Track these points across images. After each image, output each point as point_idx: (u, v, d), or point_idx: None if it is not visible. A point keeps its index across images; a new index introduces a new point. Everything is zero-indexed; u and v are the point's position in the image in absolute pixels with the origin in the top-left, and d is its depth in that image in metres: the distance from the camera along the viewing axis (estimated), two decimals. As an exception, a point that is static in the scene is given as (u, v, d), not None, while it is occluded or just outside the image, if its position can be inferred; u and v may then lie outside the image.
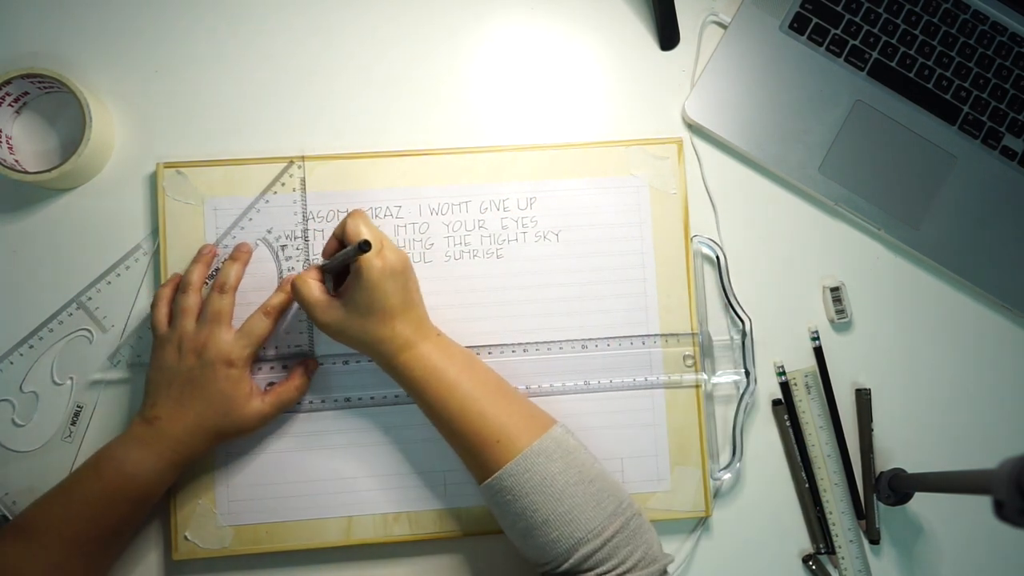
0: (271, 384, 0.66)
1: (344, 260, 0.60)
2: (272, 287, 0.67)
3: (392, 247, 0.60)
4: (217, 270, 0.66)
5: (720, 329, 0.70)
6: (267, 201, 0.68)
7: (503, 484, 0.57)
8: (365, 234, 0.59)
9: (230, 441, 0.64)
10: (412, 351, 0.60)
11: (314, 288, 0.61)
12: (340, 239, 0.61)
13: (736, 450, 0.69)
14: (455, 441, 0.61)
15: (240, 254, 0.66)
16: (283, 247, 0.68)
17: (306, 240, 0.68)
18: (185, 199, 0.68)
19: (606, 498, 0.57)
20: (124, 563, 0.66)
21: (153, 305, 0.65)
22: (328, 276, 0.64)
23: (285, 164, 0.68)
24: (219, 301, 0.63)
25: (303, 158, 0.68)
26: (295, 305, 0.66)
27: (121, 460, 0.59)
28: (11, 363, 0.67)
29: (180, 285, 0.65)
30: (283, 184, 0.68)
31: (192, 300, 0.63)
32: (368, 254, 0.57)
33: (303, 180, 0.68)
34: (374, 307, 0.59)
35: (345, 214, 0.68)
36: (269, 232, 0.68)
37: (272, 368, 0.67)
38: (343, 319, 0.60)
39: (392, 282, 0.59)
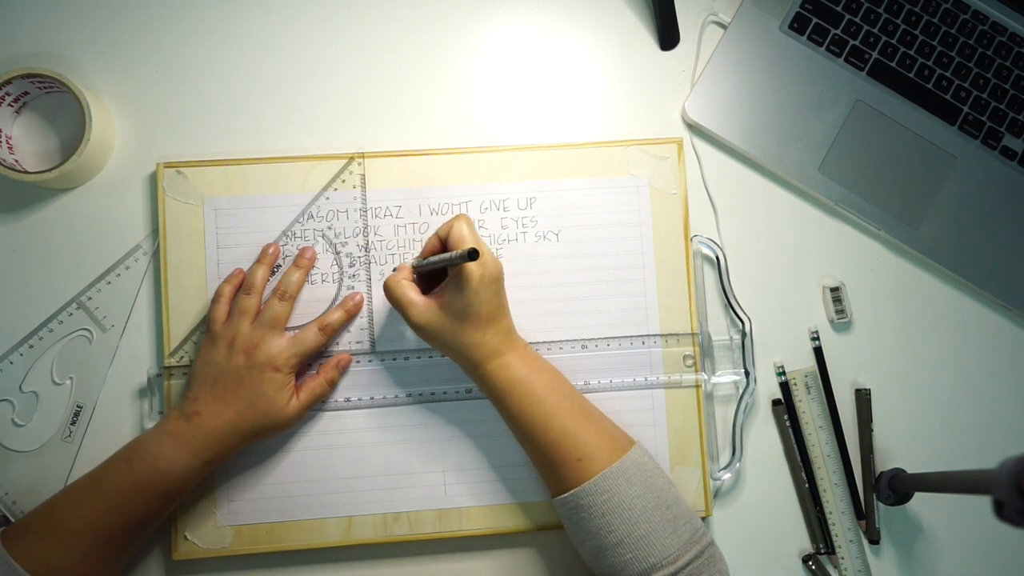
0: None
1: (446, 264, 0.60)
2: (331, 290, 0.67)
3: (490, 254, 0.60)
4: (279, 266, 0.67)
5: (720, 329, 0.70)
6: (327, 198, 0.68)
7: (580, 502, 0.58)
8: (471, 241, 0.60)
9: (262, 441, 0.64)
10: (500, 359, 0.61)
11: (409, 289, 0.61)
12: (443, 240, 0.62)
13: (736, 450, 0.69)
14: (535, 453, 0.62)
15: (303, 261, 0.67)
16: (344, 244, 0.68)
17: (367, 238, 0.68)
18: (185, 199, 0.68)
19: (682, 525, 0.58)
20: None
21: (213, 301, 0.65)
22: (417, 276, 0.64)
23: (345, 161, 0.68)
24: (278, 307, 0.64)
25: (363, 155, 0.69)
26: (354, 321, 0.67)
27: (155, 455, 0.59)
28: (11, 363, 0.67)
29: (243, 285, 0.65)
30: (343, 181, 0.68)
31: (252, 302, 0.64)
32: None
33: (363, 177, 0.68)
34: (469, 312, 0.59)
35: (345, 215, 0.68)
36: (329, 228, 0.68)
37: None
38: (438, 322, 0.60)
39: (489, 289, 0.60)
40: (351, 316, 0.67)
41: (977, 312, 0.73)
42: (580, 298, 0.69)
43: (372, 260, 0.68)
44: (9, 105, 0.67)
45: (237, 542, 0.66)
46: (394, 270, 0.64)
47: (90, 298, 0.68)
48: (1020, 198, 0.73)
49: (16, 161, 0.67)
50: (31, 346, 0.67)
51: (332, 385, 0.66)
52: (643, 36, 0.73)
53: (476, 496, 0.67)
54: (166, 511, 0.61)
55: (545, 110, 0.72)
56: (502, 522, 0.67)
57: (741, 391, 0.69)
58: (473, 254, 0.55)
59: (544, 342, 0.68)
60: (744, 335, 0.69)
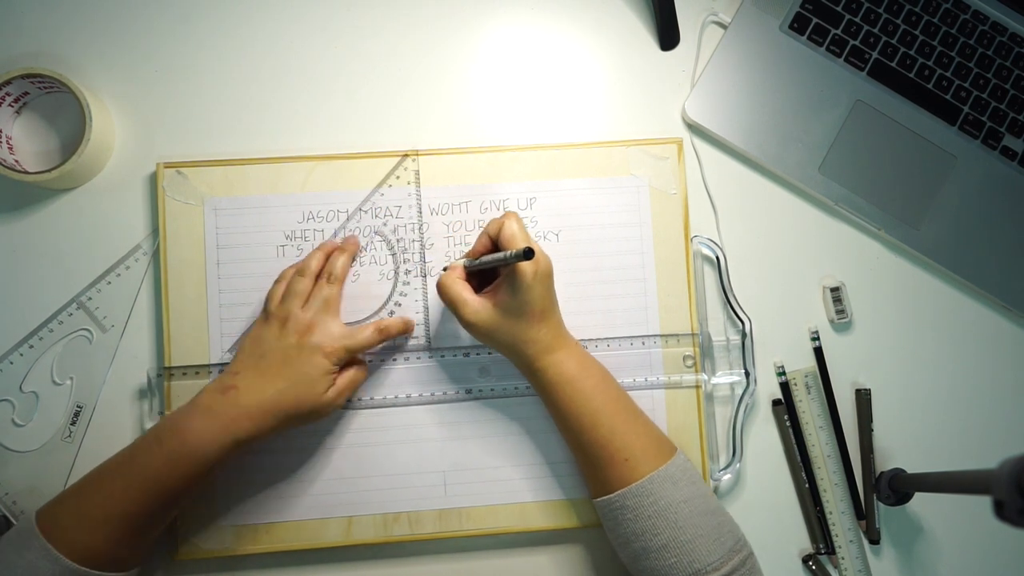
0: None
1: (501, 263, 0.60)
2: (387, 287, 0.68)
3: (541, 250, 0.60)
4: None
5: (720, 329, 0.70)
6: (382, 194, 0.68)
7: (625, 503, 0.59)
8: (523, 238, 0.60)
9: (295, 427, 0.62)
10: (553, 355, 0.61)
11: (463, 288, 0.62)
12: (493, 238, 0.62)
13: (736, 450, 0.69)
14: (581, 450, 0.62)
15: (348, 245, 0.67)
16: (399, 240, 0.68)
17: (421, 235, 0.69)
18: (185, 199, 0.68)
19: (726, 532, 0.59)
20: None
21: (276, 281, 0.65)
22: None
23: (398, 159, 0.69)
24: (327, 289, 0.64)
25: (417, 153, 0.69)
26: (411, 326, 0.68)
27: (184, 430, 0.58)
28: (11, 363, 0.67)
29: (298, 268, 0.65)
30: (397, 177, 0.69)
31: (305, 285, 0.64)
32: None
33: (417, 173, 0.69)
34: (523, 310, 0.60)
35: (346, 215, 0.68)
36: (385, 225, 0.68)
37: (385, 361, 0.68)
38: (492, 320, 0.60)
39: (542, 286, 0.60)
40: (407, 330, 0.67)
41: (977, 312, 0.73)
42: (580, 298, 0.69)
43: (402, 259, 0.68)
44: (9, 105, 0.67)
45: (237, 542, 0.66)
46: (444, 269, 0.65)
47: (90, 298, 0.68)
48: (1020, 198, 0.73)
49: (16, 161, 0.67)
50: (31, 346, 0.67)
51: (364, 371, 0.66)
52: (643, 36, 0.73)
53: (476, 496, 0.67)
54: (192, 493, 0.61)
55: (545, 110, 0.72)
56: (502, 522, 0.67)
57: (741, 391, 0.69)
58: (528, 253, 0.56)
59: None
60: (744, 335, 0.69)
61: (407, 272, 0.68)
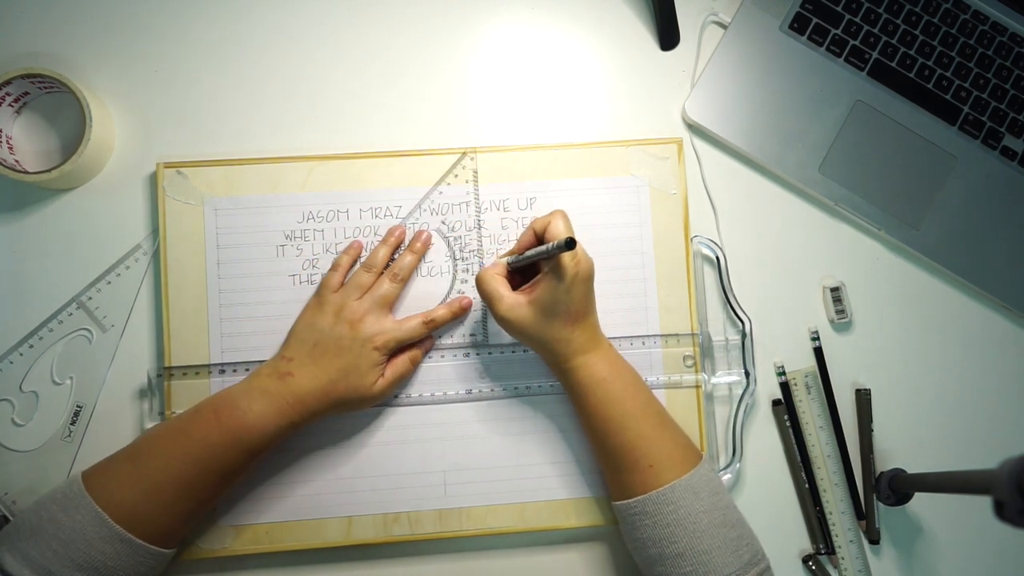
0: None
1: (541, 257, 0.60)
2: (446, 284, 0.68)
3: (584, 251, 0.60)
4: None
5: (720, 330, 0.70)
6: (440, 192, 0.69)
7: (646, 509, 0.59)
8: (568, 233, 0.60)
9: (338, 414, 0.64)
10: (585, 356, 0.61)
11: (500, 284, 0.62)
12: (539, 235, 0.62)
13: (736, 450, 0.69)
14: (606, 454, 0.62)
15: (418, 246, 0.68)
16: (457, 239, 0.69)
17: (479, 232, 0.69)
18: (185, 199, 0.68)
19: (744, 546, 0.59)
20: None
21: (331, 268, 0.66)
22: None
23: (458, 156, 0.69)
24: (388, 286, 0.65)
25: (475, 150, 0.69)
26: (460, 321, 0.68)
27: (244, 411, 0.59)
28: (11, 363, 0.67)
29: (365, 263, 0.66)
30: (456, 175, 0.69)
31: (369, 279, 0.65)
32: (566, 255, 0.58)
33: (475, 172, 0.69)
34: (559, 308, 0.60)
35: (345, 215, 0.68)
36: (443, 223, 0.69)
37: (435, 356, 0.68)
38: (528, 317, 0.60)
39: (581, 287, 0.60)
40: (455, 316, 0.67)
41: (977, 312, 0.73)
42: (580, 298, 0.69)
43: (458, 256, 0.68)
44: (9, 105, 0.67)
45: (237, 542, 0.66)
46: (481, 264, 0.65)
47: (90, 298, 0.68)
48: (1020, 198, 0.73)
49: (16, 161, 0.67)
50: (31, 346, 0.67)
51: (415, 364, 0.66)
52: (643, 36, 0.73)
53: (476, 496, 0.67)
54: (249, 467, 0.61)
55: (545, 110, 0.72)
56: (502, 522, 0.67)
57: (741, 391, 0.69)
58: (571, 243, 0.56)
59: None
60: (744, 335, 0.69)
61: (465, 271, 0.69)
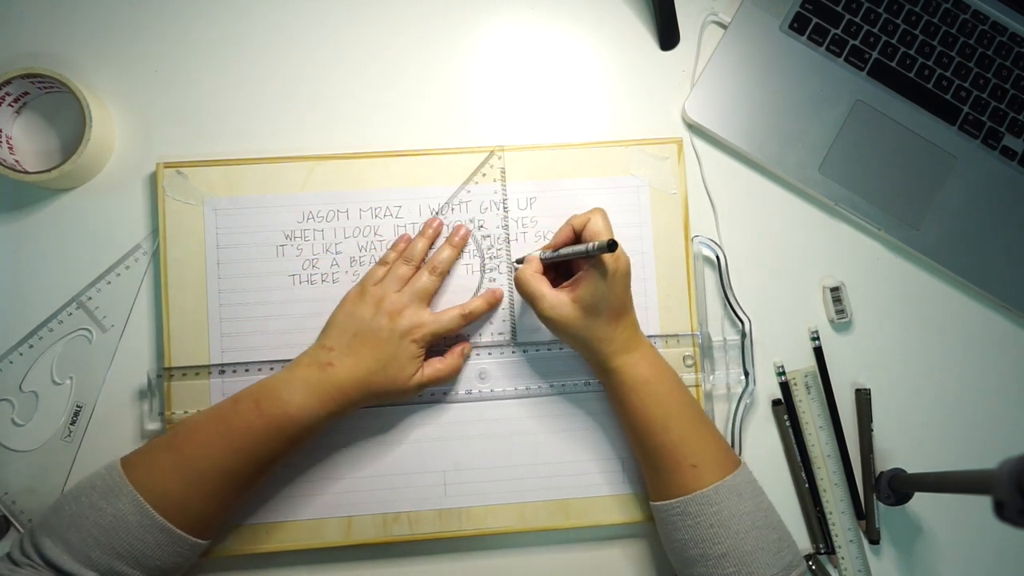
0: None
1: (582, 256, 0.60)
2: (474, 281, 0.69)
3: (622, 249, 0.60)
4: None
5: (720, 330, 0.70)
6: (468, 191, 0.69)
7: (687, 510, 0.59)
8: (608, 234, 0.60)
9: (377, 405, 0.65)
10: (629, 356, 0.62)
11: (541, 283, 0.62)
12: (577, 232, 0.62)
13: (736, 450, 0.69)
14: (648, 453, 0.62)
15: (457, 240, 0.68)
16: (485, 236, 0.69)
17: (507, 231, 0.69)
18: (185, 199, 0.68)
19: (785, 548, 0.59)
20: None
21: (379, 263, 0.67)
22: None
23: (485, 155, 0.69)
24: (427, 279, 0.65)
25: (503, 149, 0.69)
26: (494, 313, 0.69)
27: (286, 401, 0.59)
28: (11, 363, 0.67)
29: (404, 255, 0.66)
30: (484, 175, 0.69)
31: (408, 272, 0.66)
32: (608, 254, 0.58)
33: (503, 171, 0.69)
34: (602, 307, 0.60)
35: (345, 215, 0.68)
36: (471, 222, 0.69)
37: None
38: (571, 316, 0.60)
39: (621, 284, 0.60)
40: (491, 307, 0.68)
41: (977, 312, 0.73)
42: (580, 298, 0.69)
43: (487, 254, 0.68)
44: (9, 105, 0.67)
45: (237, 542, 0.66)
46: (518, 261, 0.66)
47: (90, 298, 0.68)
48: (1020, 198, 0.73)
49: (16, 161, 0.67)
50: (31, 346, 0.67)
51: (454, 372, 0.67)
52: (643, 36, 0.73)
53: (476, 496, 0.67)
54: (288, 456, 0.61)
55: (545, 110, 0.72)
56: (502, 522, 0.67)
57: (741, 391, 0.69)
58: (612, 245, 0.56)
59: (545, 342, 0.68)
60: (744, 335, 0.69)
61: (494, 269, 0.69)
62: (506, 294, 0.69)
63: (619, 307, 0.61)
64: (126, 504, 0.55)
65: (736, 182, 0.72)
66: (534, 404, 0.68)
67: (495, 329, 0.69)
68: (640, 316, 0.69)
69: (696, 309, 0.69)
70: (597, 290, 0.59)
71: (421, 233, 0.68)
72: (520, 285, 0.63)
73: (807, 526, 0.70)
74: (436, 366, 0.65)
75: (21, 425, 0.66)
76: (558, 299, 0.61)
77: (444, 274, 0.67)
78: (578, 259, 0.61)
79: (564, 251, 0.62)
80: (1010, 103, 0.73)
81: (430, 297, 0.66)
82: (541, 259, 0.64)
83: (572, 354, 0.68)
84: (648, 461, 0.62)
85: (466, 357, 0.68)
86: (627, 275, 0.61)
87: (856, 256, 0.72)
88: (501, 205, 0.69)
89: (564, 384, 0.68)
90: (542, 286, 0.62)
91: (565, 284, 0.62)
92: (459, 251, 0.68)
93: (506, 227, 0.69)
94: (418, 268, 0.66)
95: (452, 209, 0.69)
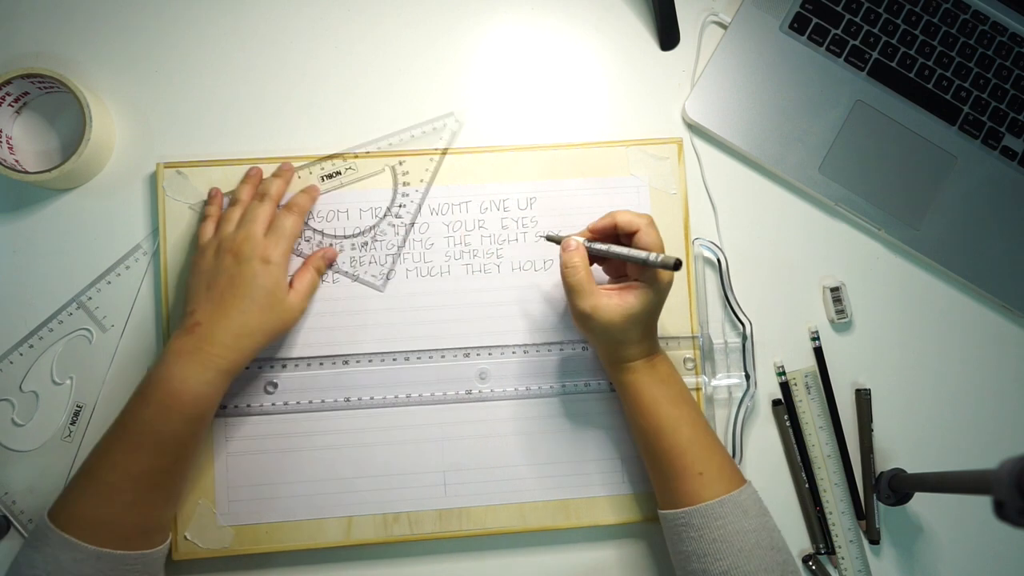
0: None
1: (639, 262, 0.59)
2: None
3: None
4: None
5: (720, 332, 0.70)
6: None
7: (692, 521, 0.58)
8: (660, 246, 0.59)
9: (273, 341, 0.63)
10: (648, 359, 0.62)
11: (589, 278, 0.60)
12: (623, 232, 0.60)
13: (736, 453, 0.69)
14: (655, 457, 0.61)
15: (283, 172, 0.67)
16: (404, 189, 0.69)
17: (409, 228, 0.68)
18: (185, 199, 0.68)
19: (790, 572, 0.57)
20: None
21: (200, 220, 0.66)
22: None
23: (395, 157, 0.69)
24: (256, 208, 0.64)
25: (403, 154, 0.68)
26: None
27: (166, 379, 0.57)
28: (11, 363, 0.67)
29: (230, 200, 0.66)
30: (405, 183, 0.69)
31: (237, 212, 0.65)
32: (667, 273, 0.59)
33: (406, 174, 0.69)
34: (643, 320, 0.60)
35: (345, 215, 0.68)
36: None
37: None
38: (616, 320, 0.59)
39: (664, 298, 0.60)
40: (287, 180, 0.67)
41: (977, 312, 0.73)
42: (580, 298, 0.69)
43: (371, 259, 0.68)
44: (9, 105, 0.67)
45: (237, 542, 0.66)
46: (552, 239, 0.64)
47: (90, 298, 0.68)
48: (1020, 198, 0.73)
49: (16, 161, 0.67)
50: (31, 346, 0.67)
51: (320, 273, 0.66)
52: (643, 36, 0.73)
53: (476, 496, 0.67)
54: (199, 435, 0.60)
55: (545, 110, 0.72)
56: (502, 522, 0.67)
57: (741, 394, 0.69)
58: (678, 264, 0.57)
59: (545, 343, 0.68)
60: (745, 338, 0.69)
61: (399, 216, 0.68)
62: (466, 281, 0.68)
63: (651, 323, 0.61)
64: (54, 546, 0.53)
65: (736, 182, 0.72)
66: (534, 404, 0.68)
67: (496, 327, 0.69)
68: (640, 316, 0.69)
69: (697, 311, 0.69)
70: (649, 305, 0.59)
71: (242, 181, 0.67)
72: (567, 272, 0.60)
73: (807, 526, 0.70)
74: (300, 274, 0.65)
75: (21, 425, 0.66)
76: (605, 301, 0.59)
77: (275, 200, 0.65)
78: (627, 262, 0.60)
79: (618, 251, 0.60)
80: (1010, 103, 0.73)
81: (264, 219, 0.63)
82: (589, 250, 0.61)
83: (571, 355, 0.68)
84: (655, 465, 0.62)
85: (329, 259, 0.67)
86: (665, 294, 0.61)
87: (856, 256, 0.72)
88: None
89: (564, 385, 0.68)
90: (589, 282, 0.60)
91: (612, 286, 0.61)
92: (287, 182, 0.67)
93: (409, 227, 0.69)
94: (245, 208, 0.65)
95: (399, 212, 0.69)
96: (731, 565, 0.56)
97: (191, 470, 0.62)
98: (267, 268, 0.61)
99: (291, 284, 0.64)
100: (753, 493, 0.60)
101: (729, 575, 0.56)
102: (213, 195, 0.67)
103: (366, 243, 0.68)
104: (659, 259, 0.57)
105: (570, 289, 0.60)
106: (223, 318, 0.60)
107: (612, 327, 0.59)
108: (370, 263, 0.68)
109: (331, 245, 0.68)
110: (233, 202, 0.66)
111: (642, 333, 0.61)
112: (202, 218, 0.66)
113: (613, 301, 0.59)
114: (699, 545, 0.57)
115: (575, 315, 0.61)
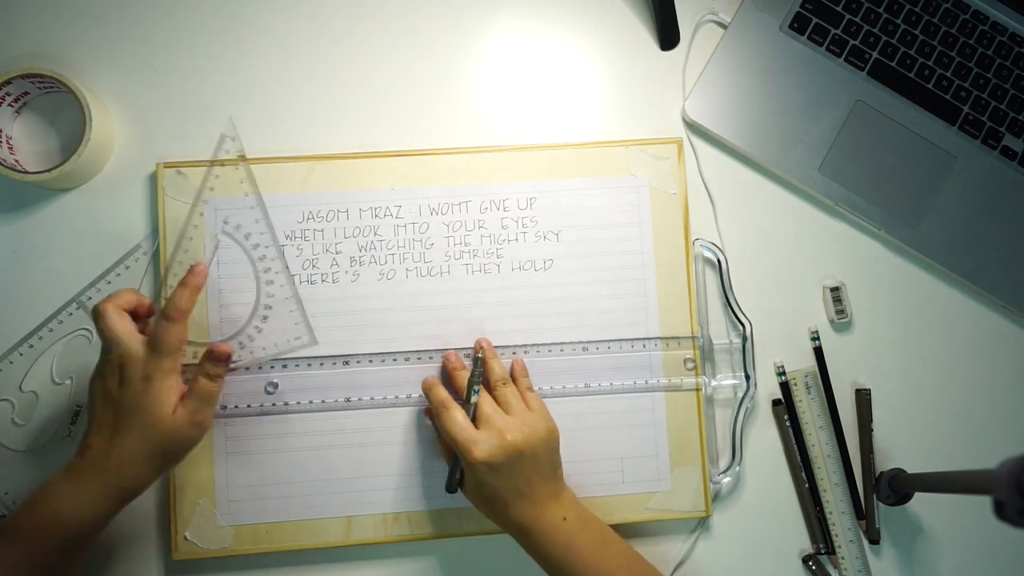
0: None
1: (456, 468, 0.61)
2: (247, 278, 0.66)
3: (547, 418, 0.62)
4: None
5: (720, 332, 0.70)
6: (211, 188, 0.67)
7: None
8: (459, 440, 0.59)
9: (177, 462, 0.60)
10: (551, 508, 0.60)
11: (468, 426, 0.59)
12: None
13: (736, 454, 0.69)
14: None
15: (191, 278, 0.60)
16: (253, 244, 0.67)
17: (272, 234, 0.67)
18: (185, 199, 0.68)
19: None
20: (124, 563, 0.66)
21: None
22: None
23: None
24: (160, 328, 0.58)
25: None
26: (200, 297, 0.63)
27: (55, 496, 0.56)
28: (11, 363, 0.67)
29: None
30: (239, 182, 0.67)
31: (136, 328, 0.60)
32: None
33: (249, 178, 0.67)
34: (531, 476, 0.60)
35: (345, 215, 0.68)
36: (226, 223, 0.67)
37: (274, 367, 0.67)
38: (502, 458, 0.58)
39: (539, 457, 0.60)
40: (197, 290, 0.60)
41: (977, 312, 0.73)
42: (581, 298, 0.69)
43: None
44: (9, 105, 0.67)
45: (237, 542, 0.66)
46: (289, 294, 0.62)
47: (90, 298, 0.68)
48: (1020, 198, 0.73)
49: (16, 161, 0.67)
50: (31, 346, 0.67)
51: (212, 378, 0.59)
52: (643, 36, 0.73)
53: (476, 496, 0.67)
54: (76, 557, 0.58)
55: (545, 110, 0.72)
56: (502, 522, 0.67)
57: (742, 396, 0.69)
58: (450, 488, 0.60)
59: (545, 344, 0.68)
60: (745, 339, 0.69)
61: (267, 270, 0.67)
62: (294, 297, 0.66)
63: (549, 474, 0.61)
64: None
65: (736, 182, 0.72)
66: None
67: (498, 329, 0.68)
68: (639, 316, 0.69)
69: (697, 312, 0.69)
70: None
71: (110, 296, 0.59)
72: (446, 427, 0.60)
73: (807, 526, 0.70)
74: (191, 387, 0.58)
75: (21, 425, 0.66)
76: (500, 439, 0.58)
77: (184, 314, 0.59)
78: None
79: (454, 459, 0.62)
80: (1010, 103, 0.73)
81: (135, 335, 0.58)
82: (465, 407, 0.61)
83: (571, 356, 0.68)
84: None
85: (218, 357, 0.60)
86: (538, 452, 0.60)
87: (856, 256, 0.72)
88: (261, 211, 0.67)
89: (564, 386, 0.68)
90: (470, 430, 0.59)
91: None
92: (196, 291, 0.60)
93: (273, 232, 0.66)
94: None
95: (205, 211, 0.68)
96: None
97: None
98: (147, 388, 0.56)
99: (182, 397, 0.58)
100: None
101: None
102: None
103: (266, 316, 0.67)
104: (456, 477, 0.61)
105: (453, 443, 0.60)
106: (110, 443, 0.57)
107: (504, 467, 0.58)
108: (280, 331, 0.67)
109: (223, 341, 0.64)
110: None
111: (552, 465, 0.60)
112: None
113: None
114: None
115: (472, 467, 0.59)
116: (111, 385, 0.57)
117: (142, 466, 0.57)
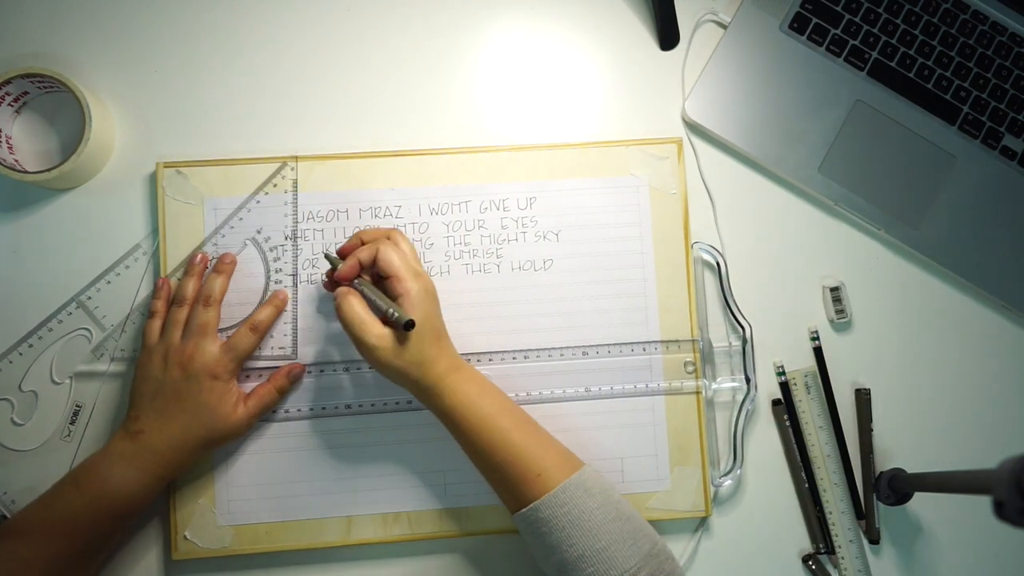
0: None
1: (380, 311, 0.59)
2: (259, 288, 0.67)
3: (416, 270, 0.60)
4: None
5: (720, 335, 0.70)
6: (258, 201, 0.68)
7: (539, 515, 0.57)
8: (400, 270, 0.58)
9: (217, 449, 0.65)
10: (454, 375, 0.60)
11: (363, 310, 0.58)
12: (364, 262, 0.60)
13: (737, 456, 0.69)
14: (492, 472, 0.60)
15: (224, 266, 0.66)
16: (272, 248, 0.67)
17: (295, 241, 0.68)
18: (185, 199, 0.68)
19: (642, 537, 0.57)
20: (124, 563, 0.66)
21: (148, 317, 0.65)
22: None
23: (278, 165, 0.68)
24: (204, 314, 0.63)
25: (296, 159, 0.68)
26: (281, 317, 0.67)
27: (104, 476, 0.59)
28: (11, 362, 0.67)
29: (174, 298, 0.65)
30: (275, 185, 0.68)
31: (184, 314, 0.64)
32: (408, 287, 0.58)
33: (295, 181, 0.68)
34: (423, 331, 0.59)
35: (345, 215, 0.68)
36: (259, 232, 0.68)
37: (261, 376, 0.67)
38: (394, 345, 0.58)
39: (430, 303, 0.60)
40: (279, 311, 0.66)
41: (977, 312, 0.73)
42: (580, 298, 0.69)
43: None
44: (9, 105, 0.67)
45: (237, 542, 0.66)
46: (327, 275, 0.63)
47: (90, 297, 0.68)
48: (1020, 198, 0.73)
49: (16, 161, 0.67)
50: (31, 345, 0.67)
51: (282, 394, 0.66)
52: (643, 36, 0.73)
53: (476, 496, 0.67)
54: (119, 533, 0.61)
55: (545, 110, 0.72)
56: (502, 522, 0.67)
57: (742, 399, 0.69)
58: (409, 325, 0.57)
59: (545, 348, 0.68)
60: (745, 341, 0.69)
61: (278, 270, 0.68)
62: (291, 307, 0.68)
63: (438, 326, 0.60)
64: None
65: (736, 182, 0.72)
66: (533, 406, 0.68)
67: (498, 329, 0.68)
68: (640, 316, 0.69)
69: (697, 314, 0.69)
70: (422, 319, 0.58)
71: (187, 272, 0.66)
72: (342, 313, 0.59)
73: (807, 526, 0.70)
74: (259, 392, 0.64)
75: (21, 425, 0.66)
76: (382, 330, 0.58)
77: (219, 302, 0.65)
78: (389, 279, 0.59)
79: (369, 296, 0.59)
80: (1010, 103, 0.73)
81: (213, 330, 0.63)
82: (354, 285, 0.61)
83: (571, 357, 0.68)
84: (494, 477, 0.60)
85: (295, 377, 0.66)
86: (433, 296, 0.60)
87: (856, 256, 0.72)
88: (291, 215, 0.68)
89: (565, 391, 0.68)
90: (363, 313, 0.58)
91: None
92: (228, 276, 0.66)
93: (294, 236, 0.67)
94: (192, 307, 0.64)
95: (240, 218, 0.67)
96: (585, 548, 0.56)
97: (105, 558, 0.63)
98: (215, 385, 0.61)
99: (246, 398, 0.64)
100: (593, 473, 0.59)
101: (585, 559, 0.55)
102: (159, 287, 0.65)
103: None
104: (395, 315, 0.57)
105: (348, 329, 0.59)
106: (166, 430, 0.61)
107: (397, 351, 0.58)
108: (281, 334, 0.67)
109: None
110: (179, 300, 0.64)
111: (430, 344, 0.59)
112: (149, 313, 0.65)
113: (387, 330, 0.58)
114: (551, 536, 0.57)
115: (367, 355, 0.59)
116: (174, 375, 0.61)
117: (188, 454, 0.62)
